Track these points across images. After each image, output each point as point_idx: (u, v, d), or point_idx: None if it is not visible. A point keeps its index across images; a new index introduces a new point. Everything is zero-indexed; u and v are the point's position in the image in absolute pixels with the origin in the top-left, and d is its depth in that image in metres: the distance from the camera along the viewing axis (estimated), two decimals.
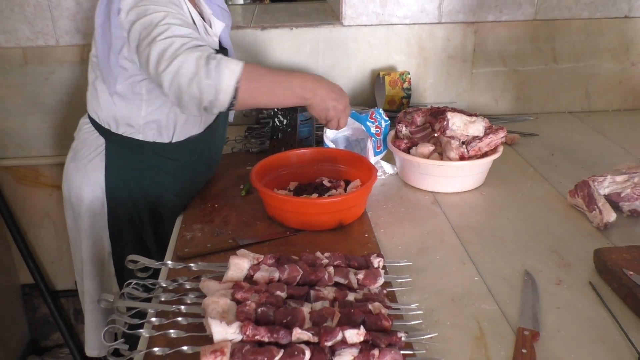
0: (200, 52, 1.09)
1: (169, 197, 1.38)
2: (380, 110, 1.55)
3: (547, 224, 1.28)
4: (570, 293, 1.05)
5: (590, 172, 1.38)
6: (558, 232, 1.25)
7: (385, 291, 1.02)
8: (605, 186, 1.31)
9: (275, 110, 1.62)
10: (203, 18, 1.37)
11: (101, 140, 1.37)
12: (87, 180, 1.37)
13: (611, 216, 1.23)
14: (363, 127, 1.49)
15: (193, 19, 1.30)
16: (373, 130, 1.50)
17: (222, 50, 1.41)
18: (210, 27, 1.38)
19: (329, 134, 1.49)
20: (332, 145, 1.48)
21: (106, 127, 1.35)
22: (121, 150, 1.36)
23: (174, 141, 1.37)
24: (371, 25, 1.87)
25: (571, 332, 0.96)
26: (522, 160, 1.61)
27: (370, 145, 1.46)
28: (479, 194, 1.42)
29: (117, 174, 1.36)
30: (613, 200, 1.30)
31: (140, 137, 1.35)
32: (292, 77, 1.22)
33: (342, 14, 1.86)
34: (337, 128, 1.30)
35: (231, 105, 1.11)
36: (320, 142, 1.69)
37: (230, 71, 1.09)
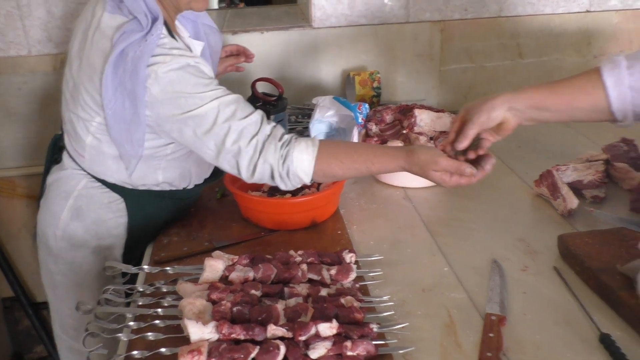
0: (273, 153, 1.11)
1: (176, 218, 1.36)
2: (367, 106, 1.61)
3: (514, 213, 1.33)
4: (535, 278, 1.10)
5: (554, 162, 1.42)
6: (524, 221, 1.30)
7: (357, 285, 1.05)
8: (568, 174, 1.36)
9: None
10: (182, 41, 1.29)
11: (114, 197, 1.28)
12: (96, 239, 1.29)
13: (574, 203, 1.28)
14: (352, 114, 1.52)
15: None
16: (360, 120, 1.55)
17: None
18: (190, 50, 1.29)
19: (317, 116, 1.52)
20: (314, 132, 1.51)
21: (120, 185, 1.27)
22: (140, 201, 1.29)
23: (189, 187, 1.35)
24: (340, 26, 1.91)
25: (537, 315, 1.00)
26: (490, 153, 1.65)
27: (356, 132, 1.50)
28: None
29: (137, 224, 1.30)
30: (576, 188, 1.35)
31: (157, 189, 1.30)
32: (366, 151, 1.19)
33: (312, 16, 1.89)
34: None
35: None
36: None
37: (301, 180, 1.14)
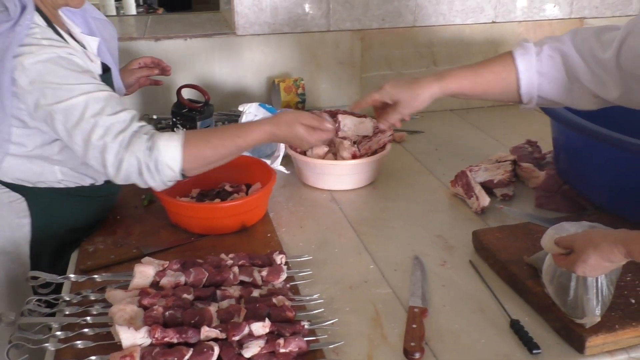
0: (139, 145, 1.10)
1: (92, 221, 1.33)
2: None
3: (433, 212, 1.41)
4: (453, 272, 1.18)
5: (468, 163, 1.52)
6: (442, 219, 1.38)
7: (288, 285, 1.09)
8: (480, 175, 1.46)
9: (174, 120, 1.64)
10: (74, 38, 1.25)
11: (14, 196, 1.23)
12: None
13: (486, 201, 1.38)
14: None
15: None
16: None
17: (105, 71, 1.30)
18: (85, 47, 1.25)
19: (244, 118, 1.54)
20: None
21: (18, 184, 1.22)
22: (43, 200, 1.24)
23: (97, 184, 1.30)
24: (264, 34, 1.94)
25: (455, 306, 1.08)
26: (410, 156, 1.74)
27: None
28: (372, 189, 1.53)
29: (43, 225, 1.25)
30: (487, 187, 1.45)
31: (59, 186, 1.25)
32: (230, 130, 1.22)
33: (235, 24, 1.91)
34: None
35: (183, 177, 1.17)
36: None
37: (171, 170, 1.12)
